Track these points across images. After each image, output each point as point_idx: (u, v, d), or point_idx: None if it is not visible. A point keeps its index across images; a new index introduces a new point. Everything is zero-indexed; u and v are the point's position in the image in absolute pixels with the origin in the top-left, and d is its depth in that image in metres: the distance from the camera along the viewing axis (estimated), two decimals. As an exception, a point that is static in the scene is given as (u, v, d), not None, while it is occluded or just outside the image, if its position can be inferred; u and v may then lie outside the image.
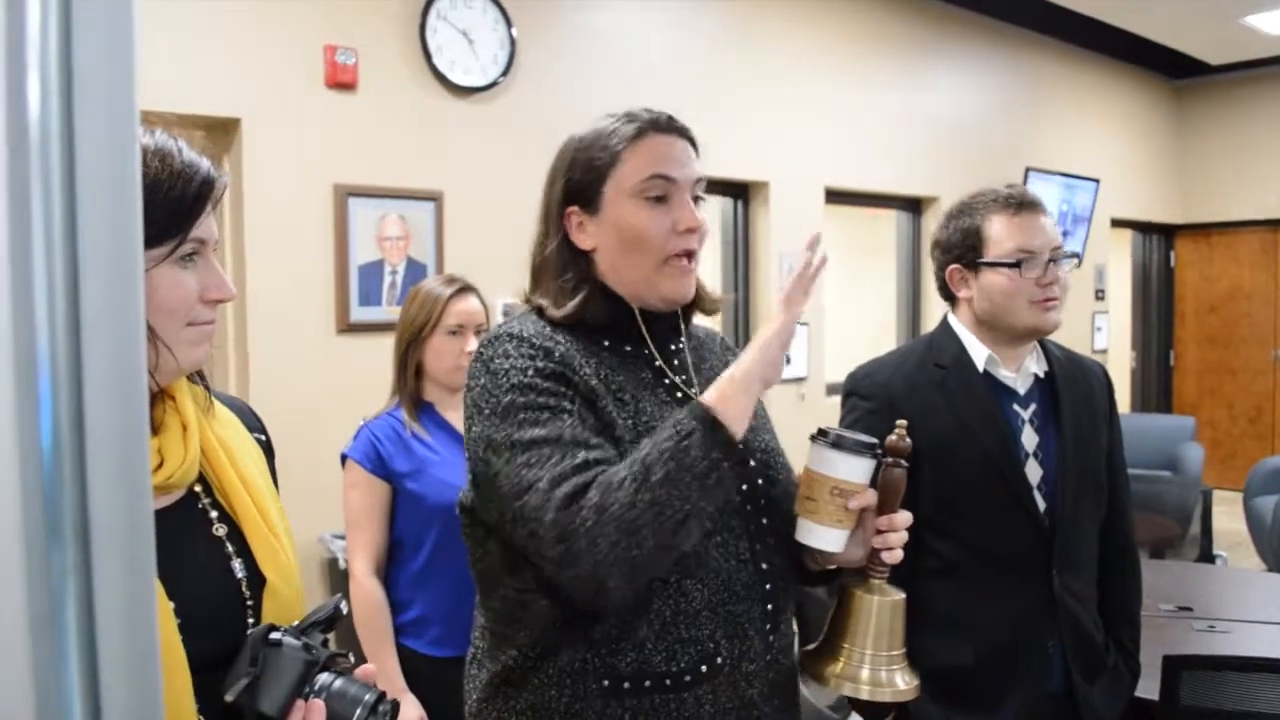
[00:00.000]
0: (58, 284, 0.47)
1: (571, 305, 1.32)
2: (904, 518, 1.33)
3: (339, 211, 3.67)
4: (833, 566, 1.40)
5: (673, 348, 1.40)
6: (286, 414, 3.14)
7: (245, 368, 3.53)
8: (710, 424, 1.16)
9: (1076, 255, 1.91)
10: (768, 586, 1.32)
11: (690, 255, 1.34)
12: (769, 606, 1.33)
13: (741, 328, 5.30)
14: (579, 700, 1.24)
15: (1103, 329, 7.62)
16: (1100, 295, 7.59)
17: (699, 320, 1.52)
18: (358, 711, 0.99)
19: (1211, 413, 8.44)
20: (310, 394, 3.55)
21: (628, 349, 1.36)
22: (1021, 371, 1.88)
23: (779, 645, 1.36)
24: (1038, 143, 6.91)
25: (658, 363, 1.37)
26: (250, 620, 1.05)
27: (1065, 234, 6.61)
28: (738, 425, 1.19)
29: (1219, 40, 7.09)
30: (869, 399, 1.86)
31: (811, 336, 5.40)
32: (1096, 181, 7.20)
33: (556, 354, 1.25)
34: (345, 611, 1.07)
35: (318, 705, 0.98)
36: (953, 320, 1.94)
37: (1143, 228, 8.46)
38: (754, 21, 5.09)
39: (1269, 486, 5.69)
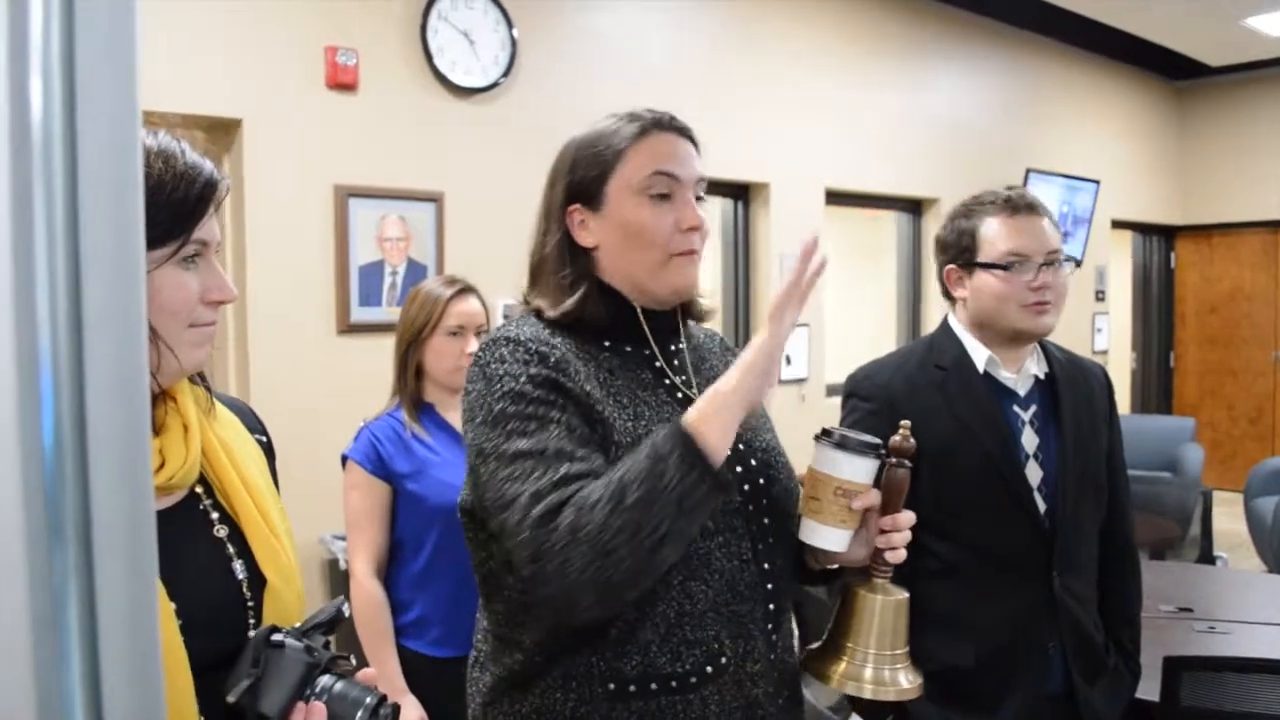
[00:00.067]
0: (60, 285, 0.47)
1: (570, 302, 1.32)
2: (907, 517, 1.33)
3: (339, 212, 3.68)
4: (834, 566, 1.41)
5: (672, 348, 1.40)
6: (287, 415, 3.14)
7: (245, 368, 3.53)
8: (688, 446, 1.13)
9: (1073, 259, 1.90)
10: (770, 586, 1.33)
11: (692, 253, 1.34)
12: (771, 606, 1.33)
13: (742, 329, 5.31)
14: (585, 703, 1.23)
15: (1103, 330, 7.62)
16: (1100, 296, 7.59)
17: None
18: (359, 714, 0.99)
19: (1212, 414, 8.44)
20: (310, 395, 3.56)
21: (628, 349, 1.35)
22: (1022, 373, 1.89)
23: (781, 644, 1.36)
24: (1038, 144, 6.91)
25: (658, 363, 1.37)
26: (251, 621, 1.05)
27: (1066, 235, 6.60)
28: (718, 447, 1.15)
29: (1219, 41, 7.09)
30: (869, 400, 1.87)
31: (812, 337, 5.40)
32: (1097, 183, 7.20)
33: (552, 359, 1.25)
34: (347, 614, 1.07)
35: (319, 708, 0.98)
36: (953, 321, 1.94)
37: (1143, 229, 8.46)
38: (754, 22, 5.10)
39: (1269, 487, 5.69)
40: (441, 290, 2.22)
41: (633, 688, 1.23)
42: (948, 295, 1.96)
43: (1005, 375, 1.88)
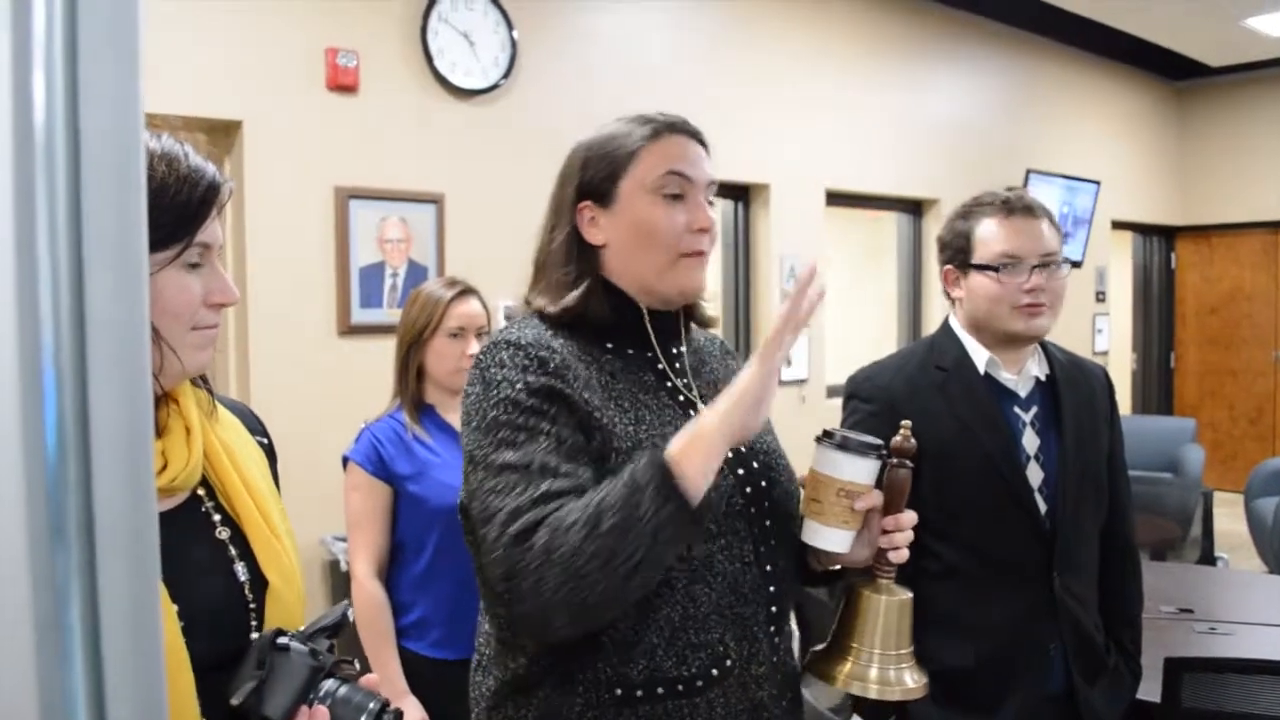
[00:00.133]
0: (63, 287, 0.47)
1: (571, 297, 1.32)
2: (910, 517, 1.33)
3: (340, 213, 3.68)
4: (836, 568, 1.41)
5: (674, 351, 1.40)
6: (287, 416, 3.15)
7: (246, 370, 3.53)
8: (665, 479, 1.12)
9: (1069, 261, 1.90)
10: (772, 589, 1.33)
11: (701, 255, 1.35)
12: (774, 609, 1.33)
13: (742, 331, 5.31)
14: (591, 708, 1.23)
15: (1103, 331, 7.62)
16: (1101, 297, 7.59)
17: None
18: (361, 719, 0.99)
19: (1212, 414, 8.44)
20: (311, 396, 3.56)
21: (630, 352, 1.35)
22: (1023, 374, 1.89)
23: (783, 647, 1.37)
24: (1038, 145, 6.91)
25: (660, 365, 1.37)
26: (253, 623, 1.05)
27: (1066, 236, 6.60)
28: (696, 481, 1.14)
29: (1219, 42, 7.09)
30: (870, 401, 1.87)
31: (812, 339, 5.41)
32: (1097, 183, 7.20)
33: (552, 364, 1.25)
34: (352, 619, 1.07)
35: (322, 712, 0.98)
36: (954, 322, 1.94)
37: (1143, 229, 8.46)
38: (754, 23, 5.10)
39: (1270, 488, 5.69)
40: (442, 292, 2.22)
41: (639, 692, 1.23)
42: (949, 295, 1.97)
43: (1006, 376, 1.88)
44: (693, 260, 1.34)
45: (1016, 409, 1.87)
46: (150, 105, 0.52)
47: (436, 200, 3.92)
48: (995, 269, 1.84)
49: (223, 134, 3.54)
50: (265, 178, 3.52)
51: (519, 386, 1.23)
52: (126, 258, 0.50)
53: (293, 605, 1.08)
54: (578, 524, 1.12)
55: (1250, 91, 8.13)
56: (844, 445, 1.27)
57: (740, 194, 5.26)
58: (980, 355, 1.88)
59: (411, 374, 2.21)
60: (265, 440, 1.21)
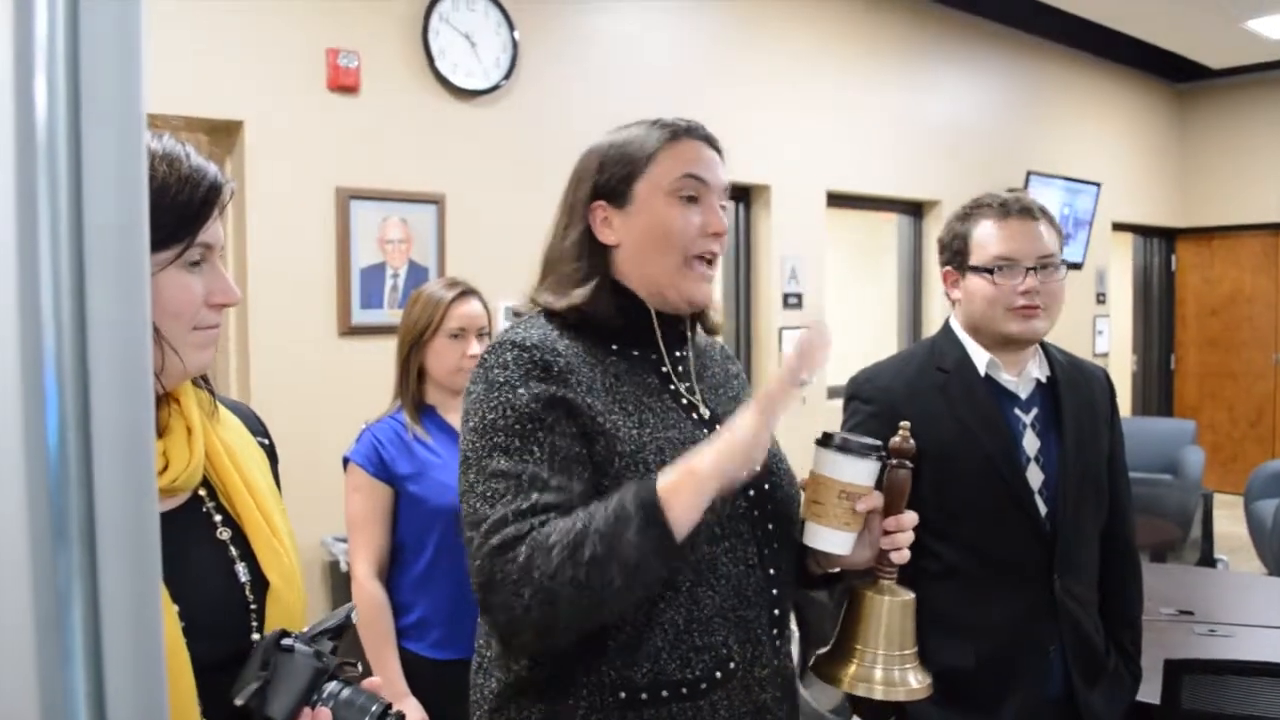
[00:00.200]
0: (64, 287, 0.47)
1: (580, 294, 1.32)
2: (910, 518, 1.34)
3: (341, 214, 3.68)
4: (835, 570, 1.41)
5: (678, 354, 1.40)
6: (288, 417, 3.14)
7: (246, 370, 3.53)
8: (653, 516, 1.13)
9: (1065, 263, 1.90)
10: (774, 591, 1.33)
11: (713, 259, 1.36)
12: (776, 611, 1.33)
13: (742, 332, 5.31)
14: (595, 711, 1.23)
15: (1104, 332, 7.62)
16: (1101, 299, 7.59)
17: None
18: None
19: (1212, 416, 8.43)
20: (312, 397, 3.56)
21: (635, 353, 1.35)
22: (1023, 376, 1.89)
23: (784, 650, 1.37)
24: (1039, 147, 6.91)
25: (665, 368, 1.37)
26: (254, 624, 1.05)
27: (1067, 238, 6.60)
28: (681, 521, 1.15)
29: (1220, 44, 7.09)
30: (870, 403, 1.87)
31: (813, 340, 5.39)
32: (1098, 185, 7.20)
33: (556, 367, 1.24)
34: (355, 621, 1.07)
35: (324, 714, 0.98)
36: (954, 324, 1.94)
37: (1144, 231, 8.46)
38: (756, 25, 5.10)
39: (1270, 490, 5.69)
40: (443, 293, 2.22)
41: (643, 695, 1.23)
42: (949, 296, 1.97)
43: (1006, 378, 1.88)
44: (702, 272, 1.34)
45: (1017, 410, 1.87)
46: (151, 105, 0.53)
47: (437, 201, 3.92)
48: (990, 271, 1.84)
49: (224, 134, 3.54)
50: (266, 178, 3.52)
51: (520, 392, 1.22)
52: (128, 258, 0.50)
53: (293, 606, 1.09)
54: (559, 546, 1.12)
55: (1251, 93, 8.14)
56: (844, 447, 1.27)
57: (741, 195, 5.26)
58: (981, 357, 1.88)
59: (412, 374, 2.21)
60: (266, 441, 1.21)
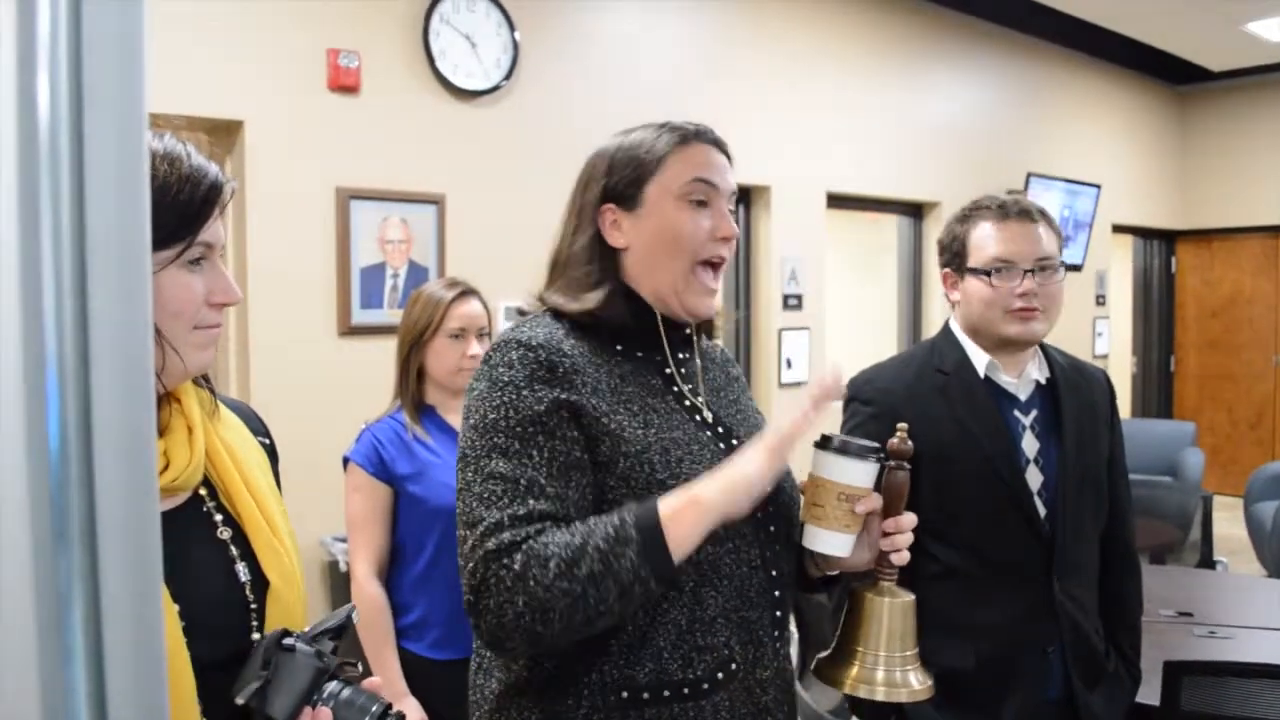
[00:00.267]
0: (66, 286, 0.47)
1: (593, 298, 1.32)
2: (910, 519, 1.34)
3: (341, 214, 3.68)
4: (834, 572, 1.41)
5: (681, 356, 1.41)
6: (288, 416, 3.14)
7: (246, 370, 3.53)
8: (652, 539, 1.14)
9: (1065, 265, 1.90)
10: (777, 593, 1.33)
11: (720, 264, 1.36)
12: (778, 613, 1.34)
13: (742, 334, 5.31)
14: (597, 712, 1.23)
15: (1104, 334, 7.63)
16: (1101, 301, 7.59)
17: None
18: None
19: (1212, 418, 8.44)
20: (312, 397, 3.56)
21: (639, 355, 1.35)
22: (1023, 377, 1.89)
23: (783, 652, 1.37)
24: (1039, 148, 6.92)
25: (668, 370, 1.37)
26: (254, 624, 1.05)
27: (1067, 239, 6.60)
28: (680, 547, 1.16)
29: (1220, 47, 7.10)
30: (870, 404, 1.87)
31: (813, 341, 5.41)
32: (1098, 187, 7.20)
33: (561, 369, 1.24)
34: (357, 621, 1.08)
35: (325, 714, 0.98)
36: (954, 325, 1.94)
37: (1144, 233, 8.47)
38: (756, 25, 5.10)
39: (1269, 492, 5.69)
40: (443, 293, 2.22)
41: (645, 695, 1.23)
42: (949, 298, 1.97)
43: (1006, 380, 1.88)
44: (708, 275, 1.35)
45: (1016, 412, 1.87)
46: (152, 105, 0.53)
47: (437, 201, 3.92)
48: (988, 273, 1.84)
49: (224, 134, 3.54)
50: (266, 178, 3.52)
51: (524, 393, 1.22)
52: (129, 257, 0.50)
53: (293, 606, 1.09)
54: (556, 559, 1.13)
55: (1251, 96, 8.14)
56: (843, 449, 1.27)
57: (741, 196, 5.25)
58: (980, 358, 1.88)
59: (412, 375, 2.21)
60: (267, 440, 1.22)
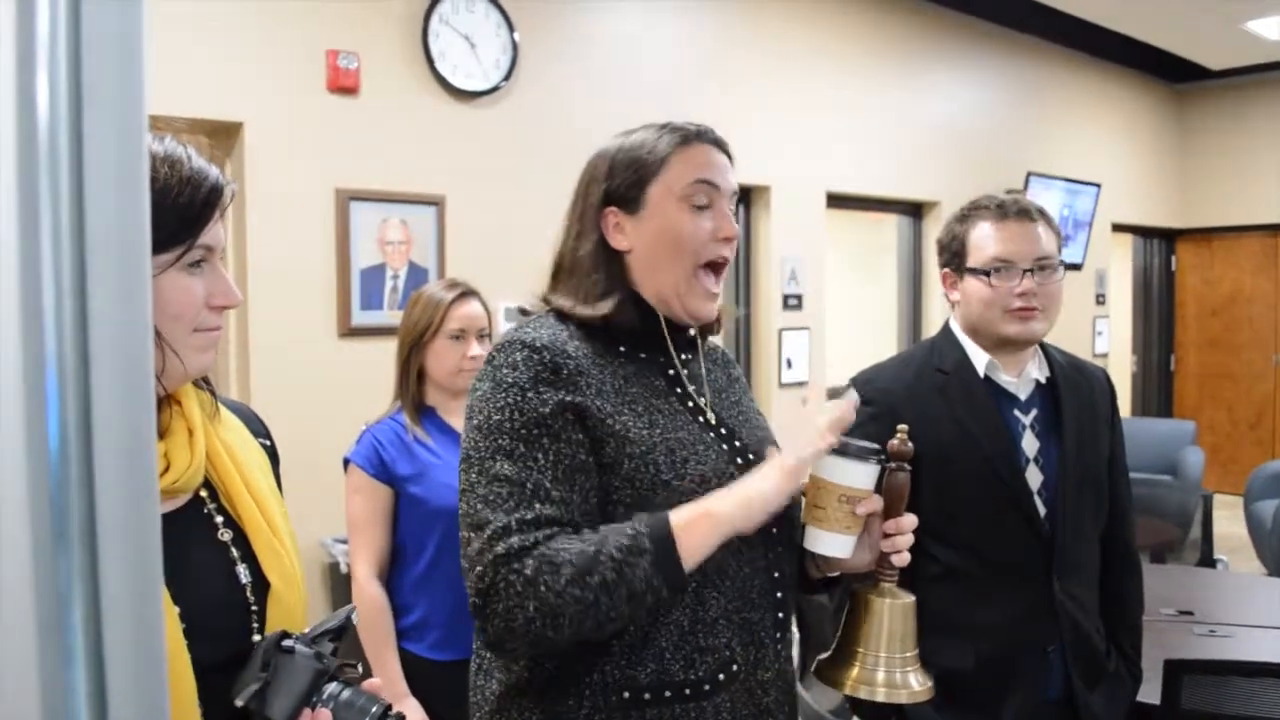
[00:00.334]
0: (66, 289, 0.47)
1: (605, 306, 1.32)
2: (910, 520, 1.34)
3: (341, 215, 3.68)
4: (834, 574, 1.41)
5: (683, 357, 1.41)
6: (288, 418, 3.13)
7: (247, 371, 3.53)
8: (666, 550, 1.16)
9: (1064, 264, 1.90)
10: (779, 594, 1.33)
11: (723, 265, 1.36)
12: (780, 614, 1.34)
13: (742, 334, 5.31)
14: (599, 712, 1.23)
15: (1103, 333, 7.63)
16: (1101, 300, 7.59)
17: None
18: None
19: (1212, 417, 8.43)
20: (312, 398, 3.56)
21: (642, 356, 1.35)
22: (1023, 377, 1.89)
23: (785, 653, 1.37)
24: (1039, 148, 6.92)
25: (671, 371, 1.37)
26: (254, 625, 1.05)
27: (1066, 239, 6.61)
28: (692, 558, 1.18)
29: (1219, 45, 7.10)
30: (870, 404, 1.86)
31: (813, 341, 5.41)
32: (1097, 186, 7.20)
33: (566, 370, 1.24)
34: (356, 622, 1.08)
35: (324, 715, 0.98)
36: (954, 325, 1.94)
37: (1144, 232, 8.46)
38: (756, 25, 5.10)
39: (1269, 491, 5.69)
40: (443, 294, 2.22)
41: (646, 695, 1.23)
42: (948, 298, 1.97)
43: (1006, 379, 1.88)
44: (710, 278, 1.35)
45: (1016, 412, 1.87)
46: (152, 106, 0.52)
47: (437, 202, 3.92)
48: (987, 273, 1.84)
49: (223, 135, 3.54)
50: (266, 179, 3.52)
51: (529, 395, 1.22)
52: (129, 260, 0.50)
53: (294, 607, 1.09)
54: (569, 565, 1.13)
55: (1250, 94, 8.14)
56: (844, 451, 1.27)
57: (741, 196, 5.24)
58: (980, 358, 1.88)
59: (412, 376, 2.21)
60: (268, 442, 1.22)
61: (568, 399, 1.23)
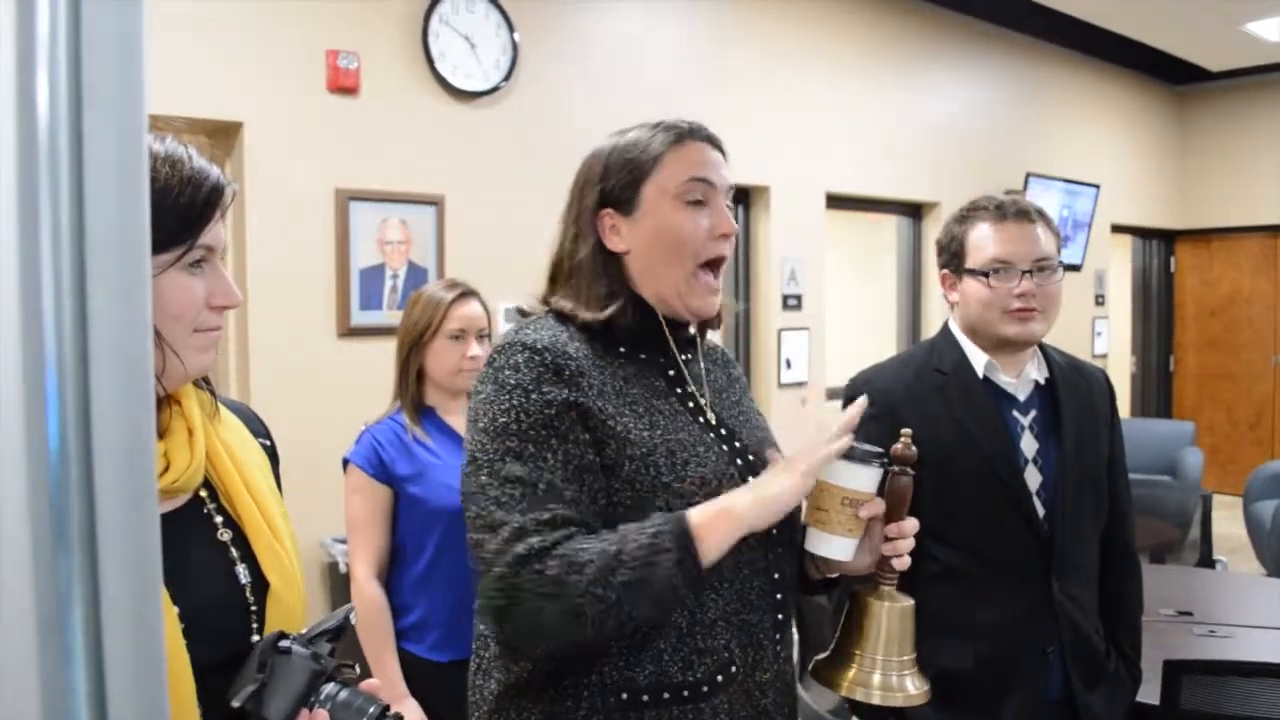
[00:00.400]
0: (65, 289, 0.47)
1: (609, 310, 1.31)
2: (912, 524, 1.34)
3: (340, 215, 3.68)
4: (834, 576, 1.41)
5: (685, 358, 1.41)
6: (287, 418, 3.13)
7: (246, 371, 3.53)
8: (686, 550, 1.16)
9: (1063, 265, 1.90)
10: (778, 596, 1.33)
11: (721, 262, 1.36)
12: (779, 616, 1.34)
13: (742, 334, 5.31)
14: (597, 713, 1.23)
15: (1103, 334, 7.63)
16: (1100, 300, 7.59)
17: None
18: None
19: (1211, 417, 8.44)
20: (311, 398, 3.56)
21: (643, 357, 1.35)
22: (1022, 378, 1.89)
23: (784, 655, 1.37)
24: (1038, 148, 6.92)
25: (672, 371, 1.37)
26: (254, 625, 1.05)
27: (1066, 239, 6.61)
28: (710, 556, 1.18)
29: (1219, 47, 7.10)
30: (870, 405, 1.86)
31: (813, 341, 5.41)
32: (1097, 187, 7.20)
33: (567, 371, 1.24)
34: (354, 623, 1.07)
35: (322, 715, 0.98)
36: (953, 326, 1.95)
37: (1143, 233, 8.47)
38: (755, 26, 5.10)
39: (1268, 491, 5.69)
40: (443, 294, 2.22)
41: (645, 697, 1.23)
42: (947, 298, 1.97)
43: (1005, 380, 1.88)
44: (709, 276, 1.35)
45: (1015, 412, 1.87)
46: (152, 106, 0.52)
47: (437, 202, 3.92)
48: (986, 274, 1.84)
49: (223, 135, 3.54)
50: (266, 179, 3.52)
51: (533, 395, 1.22)
52: (129, 260, 0.50)
53: (293, 608, 1.08)
54: (591, 564, 1.13)
55: (1250, 96, 8.14)
56: (848, 454, 1.27)
57: (740, 196, 5.25)
58: (979, 359, 1.88)
59: (412, 376, 2.21)
60: (268, 442, 1.21)
61: (571, 397, 1.23)
